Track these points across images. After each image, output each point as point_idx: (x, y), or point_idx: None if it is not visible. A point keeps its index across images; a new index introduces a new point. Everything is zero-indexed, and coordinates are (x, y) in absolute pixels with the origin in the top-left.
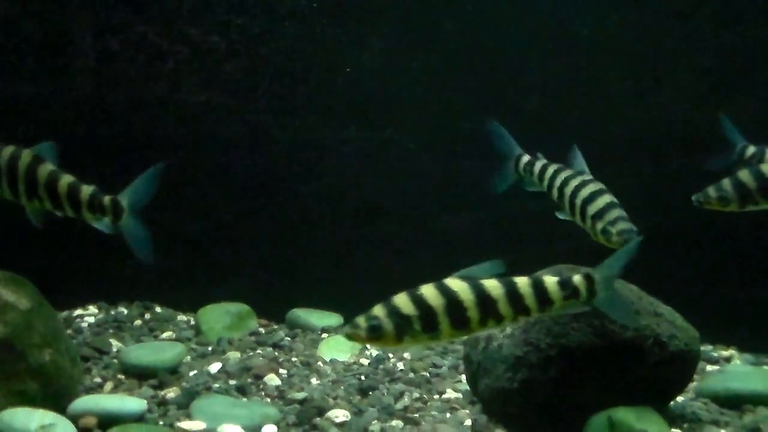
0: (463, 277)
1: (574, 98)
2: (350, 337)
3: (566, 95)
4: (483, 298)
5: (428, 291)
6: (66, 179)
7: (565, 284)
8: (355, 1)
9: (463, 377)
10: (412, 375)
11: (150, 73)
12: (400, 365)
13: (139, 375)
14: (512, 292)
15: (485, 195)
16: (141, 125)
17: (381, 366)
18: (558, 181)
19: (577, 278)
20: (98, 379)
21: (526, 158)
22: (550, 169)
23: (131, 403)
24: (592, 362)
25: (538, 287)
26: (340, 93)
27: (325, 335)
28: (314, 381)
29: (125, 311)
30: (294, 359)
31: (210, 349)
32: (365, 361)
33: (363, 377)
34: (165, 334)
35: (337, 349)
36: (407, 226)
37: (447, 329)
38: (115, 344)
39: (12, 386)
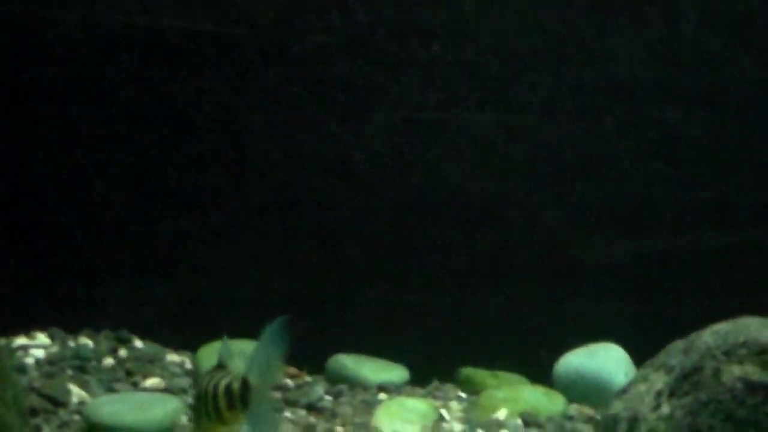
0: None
1: None
2: None
3: None
4: (213, 393)
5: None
6: None
7: (228, 388)
8: None
9: None
10: None
11: None
12: None
13: None
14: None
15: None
16: None
17: None
18: None
19: (235, 383)
20: None
21: None
22: None
23: None
24: None
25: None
26: None
27: (383, 395)
28: None
29: (90, 344)
30: (339, 429)
31: None
32: None
33: None
34: (149, 381)
35: (402, 418)
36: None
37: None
38: (77, 392)
39: None
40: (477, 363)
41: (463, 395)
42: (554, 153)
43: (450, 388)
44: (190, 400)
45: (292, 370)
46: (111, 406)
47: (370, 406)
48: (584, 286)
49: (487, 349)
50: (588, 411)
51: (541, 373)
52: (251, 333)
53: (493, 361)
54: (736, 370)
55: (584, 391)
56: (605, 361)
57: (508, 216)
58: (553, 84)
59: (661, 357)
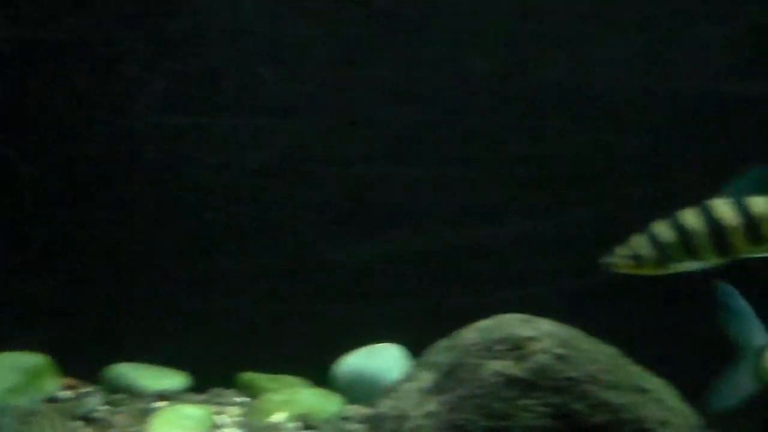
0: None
1: None
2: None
3: None
4: None
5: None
6: None
7: None
8: None
9: None
10: None
11: None
12: None
13: None
14: None
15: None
16: None
17: None
18: None
19: None
20: None
21: None
22: None
23: None
24: None
25: None
26: None
27: (161, 404)
28: None
29: None
30: None
31: None
32: None
33: None
34: None
35: (177, 425)
36: (284, 256)
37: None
38: None
39: None
40: (262, 368)
41: (243, 400)
42: (299, 155)
43: (230, 394)
44: None
45: (69, 380)
46: None
47: (147, 414)
48: (323, 288)
49: (271, 353)
50: (366, 411)
51: (327, 376)
52: (22, 341)
53: (278, 366)
54: (494, 365)
55: (363, 391)
56: (383, 361)
57: (264, 220)
58: (298, 86)
59: (429, 355)
